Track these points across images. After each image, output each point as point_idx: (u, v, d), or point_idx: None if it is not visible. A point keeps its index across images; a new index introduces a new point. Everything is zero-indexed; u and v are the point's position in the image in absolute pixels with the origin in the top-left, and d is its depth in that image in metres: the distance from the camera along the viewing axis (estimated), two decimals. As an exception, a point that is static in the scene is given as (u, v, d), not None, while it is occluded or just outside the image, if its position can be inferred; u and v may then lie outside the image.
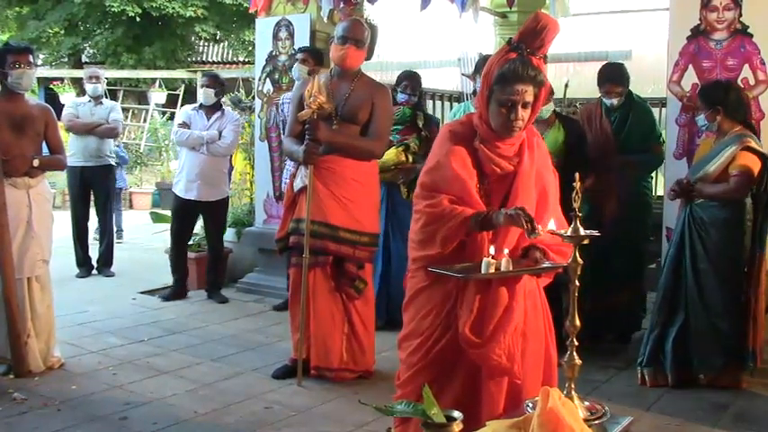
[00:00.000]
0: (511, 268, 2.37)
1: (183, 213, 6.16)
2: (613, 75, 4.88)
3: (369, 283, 4.23)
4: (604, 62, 5.36)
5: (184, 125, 6.09)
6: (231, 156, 7.76)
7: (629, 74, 4.89)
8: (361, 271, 4.15)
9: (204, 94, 6.14)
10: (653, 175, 5.16)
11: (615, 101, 4.81)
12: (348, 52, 4.01)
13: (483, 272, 2.35)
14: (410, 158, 5.22)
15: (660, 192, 5.29)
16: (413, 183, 5.28)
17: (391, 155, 5.18)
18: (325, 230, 4.02)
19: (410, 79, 5.39)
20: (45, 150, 4.49)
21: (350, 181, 4.09)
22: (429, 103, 8.48)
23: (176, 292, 6.18)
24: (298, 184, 4.14)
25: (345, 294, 4.14)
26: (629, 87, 4.89)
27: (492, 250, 2.38)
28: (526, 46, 2.44)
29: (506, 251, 2.39)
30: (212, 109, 6.11)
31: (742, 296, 4.01)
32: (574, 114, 5.32)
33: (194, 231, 6.81)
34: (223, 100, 6.48)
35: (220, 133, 6.04)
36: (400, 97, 5.35)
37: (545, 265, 2.47)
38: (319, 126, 3.91)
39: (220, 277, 6.31)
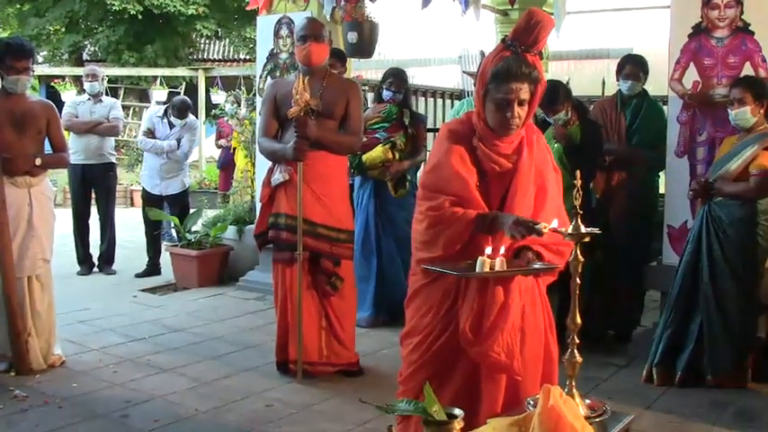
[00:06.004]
0: (505, 268, 2.36)
1: (150, 204, 7.07)
2: (635, 57, 5.00)
3: (348, 280, 4.23)
4: (605, 60, 5.37)
5: (149, 132, 7.07)
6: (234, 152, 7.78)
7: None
8: (338, 268, 4.16)
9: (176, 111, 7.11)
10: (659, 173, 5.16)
11: (634, 84, 4.81)
12: (311, 49, 4.04)
13: (478, 270, 2.35)
14: (397, 156, 5.21)
15: (661, 189, 5.28)
16: (400, 180, 5.29)
17: (378, 152, 5.17)
18: (304, 226, 4.04)
19: (395, 77, 5.33)
20: (47, 148, 4.48)
21: (329, 178, 4.14)
22: (430, 101, 8.49)
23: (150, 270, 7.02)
24: (277, 179, 4.14)
25: (321, 291, 4.16)
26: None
27: (488, 250, 2.38)
28: (520, 43, 2.44)
29: (502, 250, 2.39)
30: (179, 116, 7.07)
31: (758, 298, 3.99)
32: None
33: (196, 229, 6.83)
34: (223, 98, 6.71)
35: (179, 141, 7.00)
36: (386, 95, 5.31)
37: (537, 266, 2.45)
38: (308, 123, 3.95)
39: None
